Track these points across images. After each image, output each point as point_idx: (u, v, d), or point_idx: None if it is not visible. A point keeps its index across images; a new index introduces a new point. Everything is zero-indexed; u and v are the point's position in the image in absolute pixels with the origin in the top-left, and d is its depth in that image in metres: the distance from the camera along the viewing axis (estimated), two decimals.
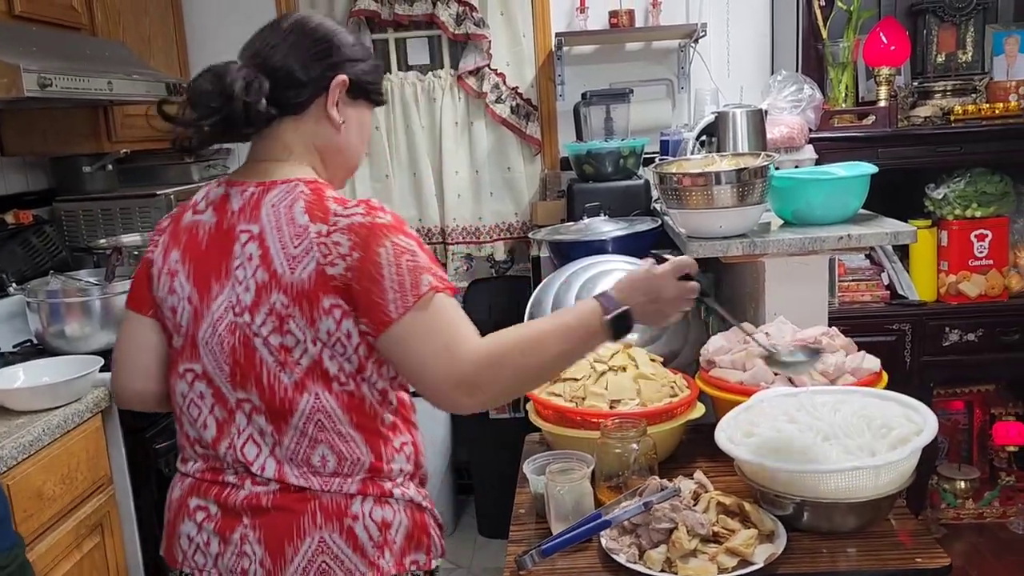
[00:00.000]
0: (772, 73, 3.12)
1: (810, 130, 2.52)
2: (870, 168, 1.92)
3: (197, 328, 1.21)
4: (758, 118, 2.29)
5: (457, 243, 3.42)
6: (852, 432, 1.36)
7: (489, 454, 3.20)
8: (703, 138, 2.38)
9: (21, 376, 1.91)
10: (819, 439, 1.36)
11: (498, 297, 3.43)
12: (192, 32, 3.32)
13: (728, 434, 1.44)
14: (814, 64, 2.87)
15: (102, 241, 2.69)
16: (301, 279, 1.14)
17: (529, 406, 1.74)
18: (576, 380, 1.70)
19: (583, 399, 1.66)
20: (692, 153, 2.37)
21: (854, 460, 1.30)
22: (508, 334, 1.18)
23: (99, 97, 2.19)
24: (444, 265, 3.45)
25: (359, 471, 1.19)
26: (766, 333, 1.71)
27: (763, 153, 1.95)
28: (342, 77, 1.24)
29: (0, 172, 2.67)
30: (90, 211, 2.82)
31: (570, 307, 1.32)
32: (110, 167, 2.89)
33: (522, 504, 1.59)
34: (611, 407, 1.63)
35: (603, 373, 1.69)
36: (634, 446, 1.49)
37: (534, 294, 2.21)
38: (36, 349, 2.20)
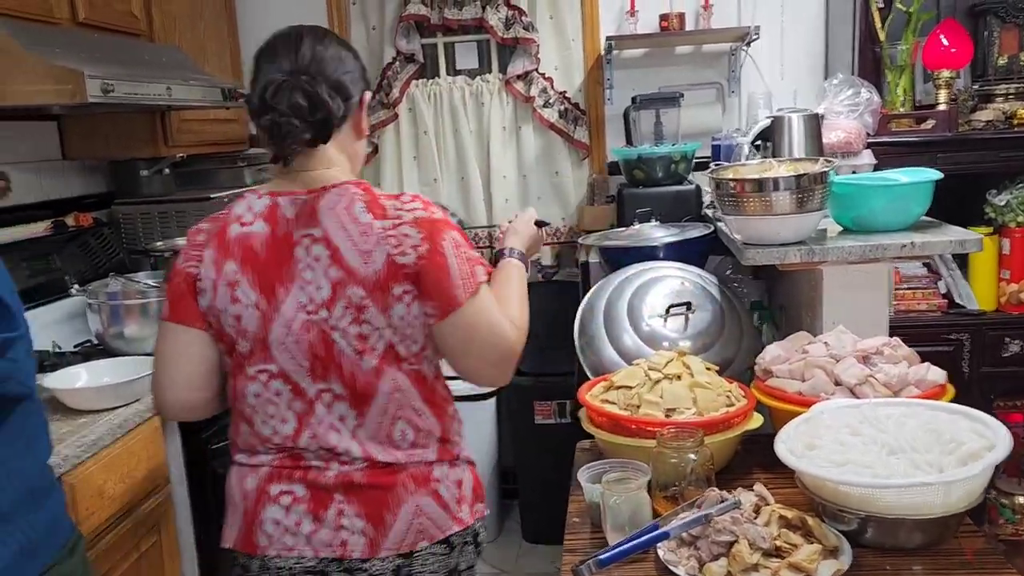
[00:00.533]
0: (826, 77, 3.07)
1: (868, 135, 2.47)
2: (934, 175, 1.88)
3: (267, 331, 1.29)
4: (814, 123, 2.25)
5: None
6: (919, 446, 1.32)
7: (534, 459, 3.19)
8: (758, 143, 2.35)
9: (83, 376, 1.95)
10: (884, 453, 1.33)
11: (544, 302, 3.39)
12: (245, 37, 3.37)
13: (789, 446, 1.41)
14: (871, 67, 2.82)
15: (158, 243, 2.74)
16: (375, 271, 1.26)
17: (582, 413, 1.73)
18: (630, 388, 1.68)
19: (637, 407, 1.64)
20: (747, 158, 2.34)
21: (922, 476, 1.26)
22: (507, 301, 1.40)
23: (158, 102, 2.23)
24: None
25: (433, 440, 1.35)
26: (825, 343, 1.68)
27: (822, 158, 1.91)
28: (368, 92, 1.42)
29: (62, 175, 2.73)
30: (147, 214, 2.87)
31: (499, 268, 1.53)
32: (166, 171, 2.94)
33: (576, 512, 1.57)
34: (667, 416, 1.61)
35: (658, 381, 1.67)
36: (691, 456, 1.46)
37: (585, 300, 2.20)
38: (96, 349, 2.25)
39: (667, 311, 2.01)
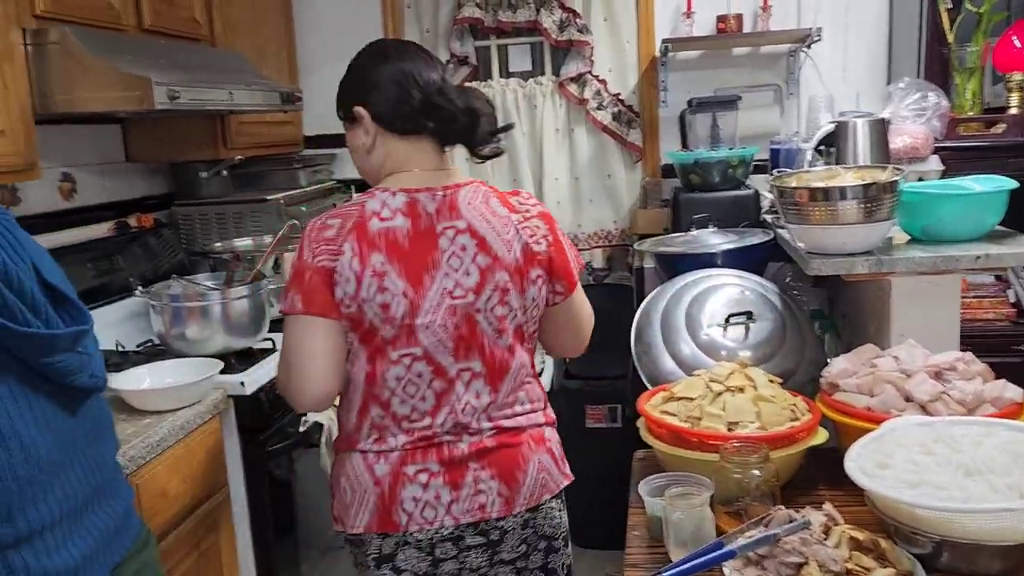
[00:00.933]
0: (889, 79, 3.00)
1: (935, 139, 2.40)
2: (1010, 183, 1.82)
3: (415, 316, 1.40)
4: (880, 128, 2.19)
5: None
6: (998, 469, 1.27)
7: (585, 463, 3.16)
8: (820, 148, 2.30)
9: (147, 378, 1.99)
10: (960, 474, 1.29)
11: (595, 304, 3.37)
12: (301, 40, 3.41)
13: (859, 464, 1.37)
14: (937, 69, 2.74)
15: (217, 245, 2.78)
16: (515, 258, 1.44)
17: (640, 423, 1.71)
18: (691, 399, 1.66)
19: (699, 419, 1.62)
20: (810, 164, 2.29)
21: (1001, 499, 1.22)
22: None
23: (220, 108, 2.26)
24: None
25: (540, 406, 1.56)
26: (895, 357, 1.63)
27: (891, 166, 1.86)
28: None
29: (125, 177, 2.79)
30: (205, 215, 2.92)
31: None
32: (224, 173, 2.99)
33: (635, 525, 1.55)
34: (729, 429, 1.58)
35: (720, 393, 1.64)
36: (756, 472, 1.43)
37: (641, 307, 2.17)
38: (158, 350, 2.29)
39: (727, 320, 1.98)
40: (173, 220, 2.94)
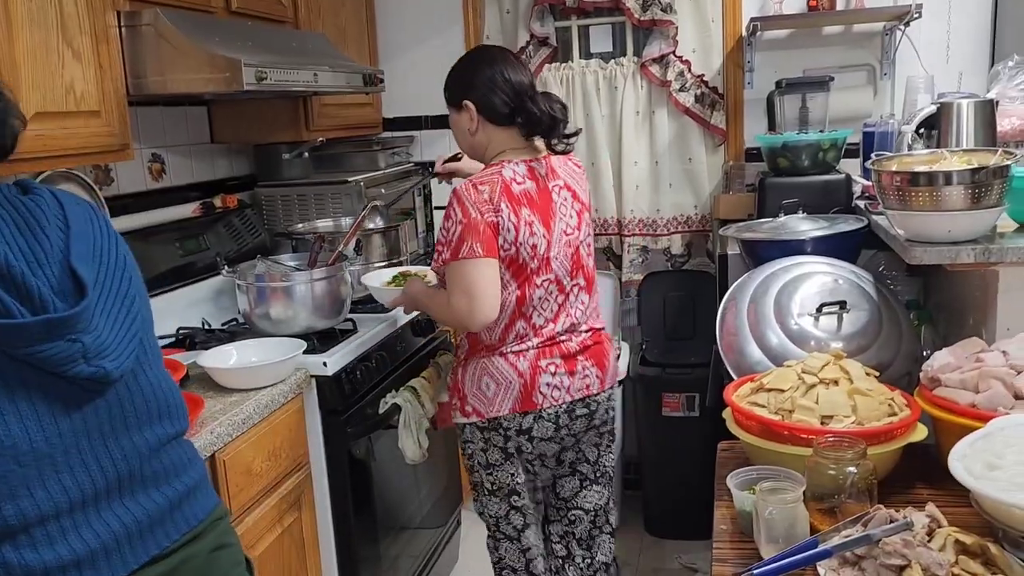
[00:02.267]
0: (992, 58, 2.84)
1: None
2: None
3: (549, 251, 1.93)
4: (988, 109, 2.07)
5: (633, 235, 3.35)
6: None
7: (661, 452, 3.13)
8: (920, 131, 2.19)
9: (234, 356, 2.03)
10: None
11: (673, 291, 3.34)
12: (381, 21, 3.42)
13: (966, 464, 1.30)
14: None
15: (299, 226, 2.82)
16: (587, 200, 2.08)
17: (727, 413, 1.66)
18: (782, 391, 1.60)
19: (790, 412, 1.56)
20: (909, 147, 2.18)
21: None
22: None
23: (305, 89, 2.28)
24: (619, 257, 3.39)
25: (600, 312, 2.13)
26: (1003, 352, 1.54)
27: (1001, 149, 1.76)
28: None
29: (210, 158, 2.85)
30: (287, 196, 2.96)
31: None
32: (306, 154, 3.02)
33: (723, 519, 1.51)
34: (823, 423, 1.52)
35: (813, 386, 1.58)
36: (851, 469, 1.37)
37: (727, 294, 2.11)
38: (242, 328, 2.34)
39: (818, 310, 1.90)
40: (256, 201, 3.00)
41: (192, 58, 1.97)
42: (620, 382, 3.16)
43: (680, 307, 3.31)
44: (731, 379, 2.00)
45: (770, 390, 1.61)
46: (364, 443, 2.18)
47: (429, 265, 2.16)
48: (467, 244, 1.83)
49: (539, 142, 1.98)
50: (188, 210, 2.72)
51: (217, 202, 2.83)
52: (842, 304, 1.90)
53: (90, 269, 1.12)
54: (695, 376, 2.99)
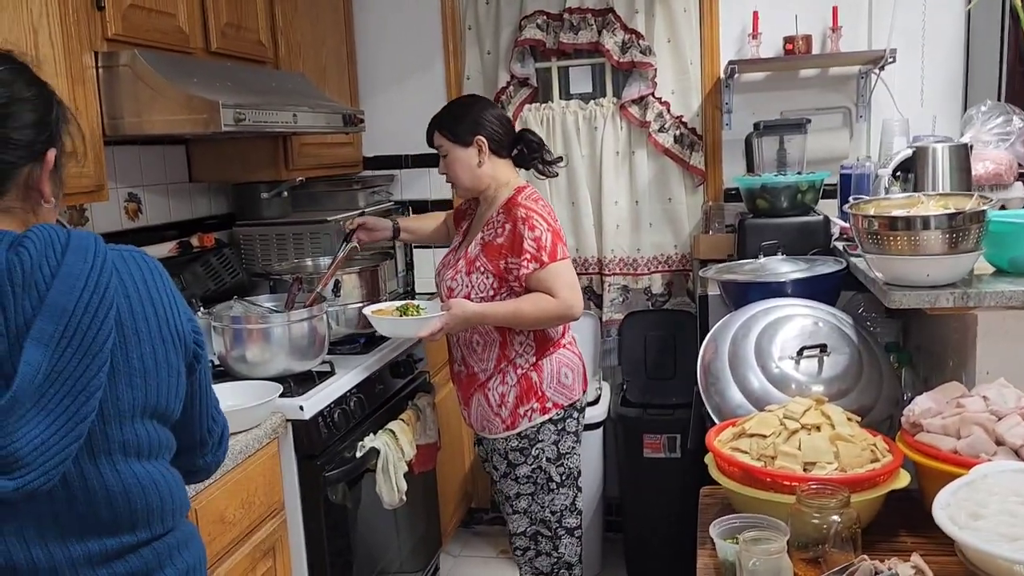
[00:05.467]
0: (965, 102, 2.89)
1: (1020, 165, 2.29)
2: None
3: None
4: (963, 154, 2.09)
5: (614, 274, 3.35)
6: None
7: (642, 494, 3.09)
8: (897, 174, 2.21)
9: None
10: None
11: (653, 330, 3.33)
12: (362, 60, 3.43)
13: (949, 514, 1.28)
14: (1019, 91, 2.62)
15: (277, 266, 2.79)
16: None
17: (709, 459, 1.64)
18: (764, 437, 1.58)
19: (773, 458, 1.54)
20: (886, 190, 2.20)
21: None
22: None
23: (284, 130, 2.27)
24: (600, 297, 3.39)
25: None
26: (984, 397, 1.54)
27: (977, 194, 1.77)
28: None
29: (188, 197, 2.82)
30: (266, 235, 2.94)
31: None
32: (285, 194, 3.00)
33: (706, 569, 1.48)
34: (805, 469, 1.50)
35: (795, 431, 1.57)
36: (835, 518, 1.35)
37: (708, 336, 2.10)
38: (218, 371, 2.29)
39: (799, 353, 1.90)
40: (234, 240, 2.97)
41: (170, 99, 1.96)
42: (600, 423, 3.15)
43: (661, 346, 3.30)
44: (712, 422, 1.99)
45: (752, 435, 1.60)
46: (341, 488, 2.13)
47: (521, 272, 2.18)
48: (560, 247, 2.14)
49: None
50: (165, 249, 2.69)
51: (194, 241, 2.80)
52: (823, 347, 1.90)
53: (43, 353, 0.94)
54: (676, 417, 2.98)
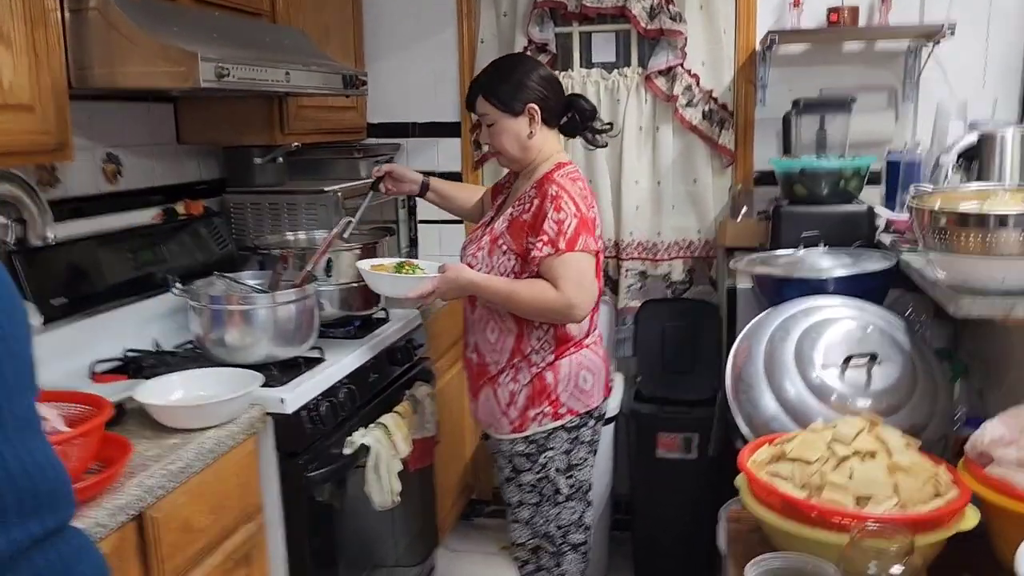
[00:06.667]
0: None
1: None
2: None
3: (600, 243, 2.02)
4: None
5: (631, 259, 3.12)
6: None
7: (654, 495, 2.89)
8: (959, 162, 1.97)
9: (178, 389, 1.78)
10: None
11: (672, 321, 3.11)
12: (369, 19, 3.19)
13: None
14: None
15: (269, 238, 2.58)
16: None
17: (741, 482, 1.43)
18: (808, 463, 1.37)
19: (819, 488, 1.33)
20: (946, 179, 1.97)
21: None
22: None
23: (275, 89, 2.05)
24: (616, 282, 3.17)
25: None
26: None
27: None
28: None
29: (175, 159, 2.60)
30: (258, 204, 2.72)
31: None
32: (280, 160, 2.78)
33: None
34: (858, 504, 1.29)
35: (845, 458, 1.35)
36: (897, 569, 1.15)
37: (741, 335, 1.89)
38: (195, 353, 2.09)
39: (846, 361, 1.68)
40: (224, 208, 2.75)
41: (144, 49, 1.74)
42: (612, 418, 2.94)
43: (679, 338, 3.08)
44: (739, 432, 1.78)
45: (794, 460, 1.38)
46: (328, 488, 1.94)
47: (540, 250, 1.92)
48: (583, 238, 1.89)
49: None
50: (147, 216, 2.47)
51: (180, 208, 2.58)
52: (872, 356, 1.68)
53: None
54: (694, 416, 2.77)
